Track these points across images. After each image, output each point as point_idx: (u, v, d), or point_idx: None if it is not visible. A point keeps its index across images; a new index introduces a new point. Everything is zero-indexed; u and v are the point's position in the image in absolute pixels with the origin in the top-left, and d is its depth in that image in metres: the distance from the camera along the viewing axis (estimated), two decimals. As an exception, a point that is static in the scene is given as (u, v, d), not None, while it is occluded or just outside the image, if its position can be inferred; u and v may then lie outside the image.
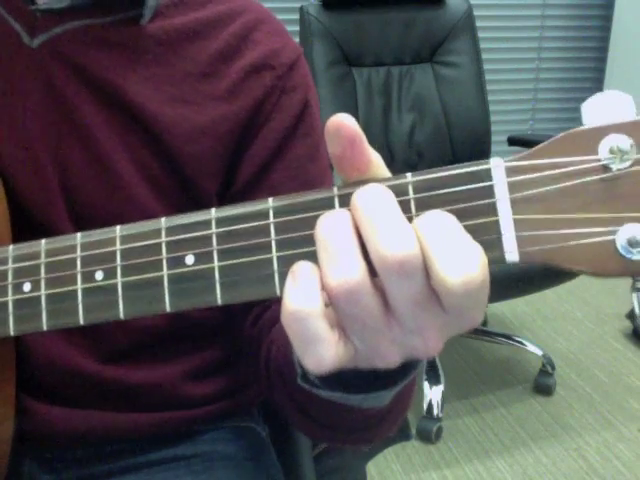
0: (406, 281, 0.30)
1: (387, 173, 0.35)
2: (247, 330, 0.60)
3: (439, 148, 1.97)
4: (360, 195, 0.32)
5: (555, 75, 2.79)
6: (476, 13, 2.02)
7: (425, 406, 1.72)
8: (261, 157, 0.59)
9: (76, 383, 0.60)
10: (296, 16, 1.92)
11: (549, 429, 1.76)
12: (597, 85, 2.78)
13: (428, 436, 1.70)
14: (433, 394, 1.73)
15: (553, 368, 1.92)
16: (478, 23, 2.02)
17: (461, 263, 0.30)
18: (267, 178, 0.60)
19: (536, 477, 1.59)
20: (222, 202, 0.61)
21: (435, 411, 1.72)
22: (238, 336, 0.63)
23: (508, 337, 2.07)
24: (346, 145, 0.33)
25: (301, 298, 0.31)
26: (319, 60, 1.89)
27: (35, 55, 0.56)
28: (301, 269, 0.32)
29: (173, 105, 0.57)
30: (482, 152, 1.98)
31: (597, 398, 1.88)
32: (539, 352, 1.95)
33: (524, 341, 2.01)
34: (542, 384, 1.91)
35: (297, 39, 1.90)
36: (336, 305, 0.31)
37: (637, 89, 2.54)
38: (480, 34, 2.02)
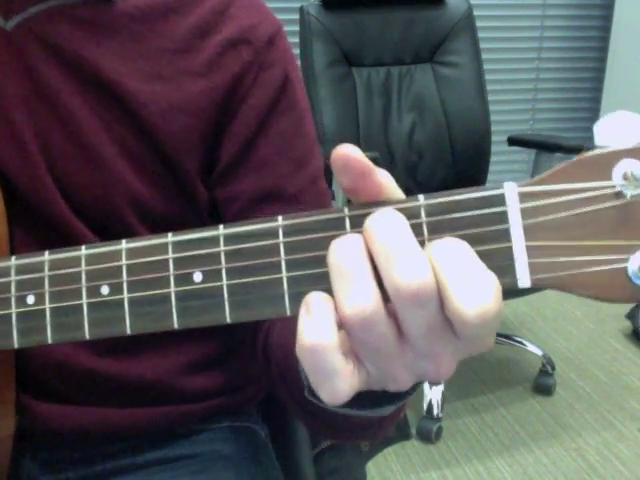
0: (420, 310, 0.30)
1: (398, 191, 0.34)
2: None
3: (439, 148, 1.97)
4: (373, 222, 0.31)
5: (555, 75, 2.79)
6: (476, 13, 2.02)
7: (425, 406, 1.72)
8: (243, 134, 0.59)
9: (74, 378, 0.60)
10: (296, 16, 1.92)
11: (549, 429, 1.76)
12: (597, 85, 2.78)
13: (428, 436, 1.70)
14: (433, 394, 1.73)
15: (553, 368, 1.92)
16: (478, 23, 2.02)
17: (476, 294, 0.30)
18: (253, 155, 0.60)
19: (536, 477, 1.59)
20: (209, 182, 0.61)
21: (435, 411, 1.72)
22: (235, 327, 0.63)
23: (508, 337, 2.07)
24: (356, 178, 0.33)
25: (317, 332, 0.31)
26: (319, 60, 1.89)
27: (11, 37, 0.56)
28: (315, 301, 0.32)
29: (149, 82, 0.57)
30: (482, 152, 1.98)
31: (597, 398, 1.88)
32: (539, 352, 1.95)
33: (524, 341, 2.01)
34: (542, 384, 1.91)
35: (297, 39, 1.90)
36: (350, 332, 0.31)
37: (637, 90, 2.54)
38: (480, 34, 2.02)
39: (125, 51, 0.57)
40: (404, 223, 0.31)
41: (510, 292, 1.72)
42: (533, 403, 1.87)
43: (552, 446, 1.69)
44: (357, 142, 1.91)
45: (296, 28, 1.90)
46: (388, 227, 0.31)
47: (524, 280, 0.32)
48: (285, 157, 0.61)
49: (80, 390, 0.61)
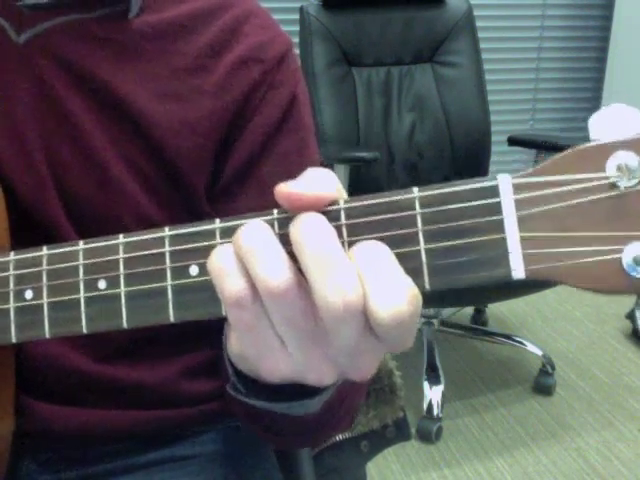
0: (347, 320, 0.32)
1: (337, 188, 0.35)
2: None
3: (439, 148, 1.97)
4: (303, 234, 0.33)
5: (555, 75, 2.79)
6: (476, 13, 2.02)
7: (425, 406, 1.72)
8: (248, 152, 0.59)
9: (73, 381, 0.60)
10: (296, 16, 1.92)
11: (549, 429, 1.76)
12: (597, 85, 2.78)
13: (428, 436, 1.70)
14: (433, 394, 1.73)
15: (553, 368, 1.92)
16: (478, 23, 2.02)
17: (390, 297, 0.31)
18: (254, 172, 0.60)
19: (536, 477, 1.59)
20: (210, 197, 0.61)
21: (435, 411, 1.72)
22: None
23: (508, 337, 2.07)
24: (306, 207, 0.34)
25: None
26: (319, 60, 1.89)
27: (22, 51, 0.56)
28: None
29: (162, 100, 0.57)
30: (482, 152, 1.99)
31: (597, 398, 1.88)
32: (539, 352, 1.95)
33: (524, 341, 2.01)
34: (542, 384, 1.91)
35: (297, 39, 1.90)
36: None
37: (637, 90, 2.54)
38: (480, 34, 2.02)
39: (138, 69, 0.57)
40: (333, 234, 0.33)
41: (510, 292, 1.72)
42: (533, 403, 1.87)
43: (552, 446, 1.69)
44: (357, 142, 1.90)
45: (296, 28, 1.90)
46: (315, 239, 0.32)
47: (518, 271, 0.32)
48: (286, 176, 0.60)
49: (80, 392, 0.61)
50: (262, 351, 0.36)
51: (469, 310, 2.26)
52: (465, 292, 1.58)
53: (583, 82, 2.83)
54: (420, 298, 0.32)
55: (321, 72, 1.88)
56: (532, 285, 1.67)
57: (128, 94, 0.56)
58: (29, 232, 0.56)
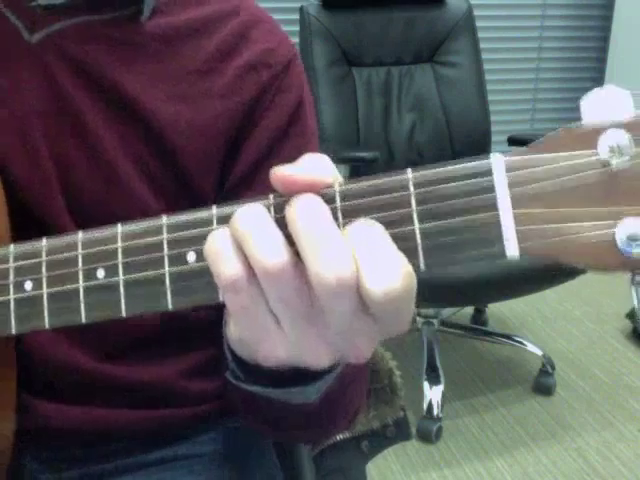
0: (341, 297, 0.32)
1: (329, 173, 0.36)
2: None
3: (439, 148, 1.97)
4: (297, 212, 0.33)
5: (555, 75, 2.79)
6: (476, 13, 2.02)
7: (425, 406, 1.72)
8: (255, 154, 0.60)
9: (74, 380, 0.60)
10: (296, 16, 1.92)
11: (549, 429, 1.76)
12: (597, 85, 2.76)
13: (428, 436, 1.70)
14: (433, 394, 1.73)
15: (553, 368, 1.92)
16: (478, 23, 2.02)
17: (384, 274, 0.31)
18: (259, 177, 0.60)
19: (536, 477, 1.59)
20: (217, 199, 0.61)
21: (435, 411, 1.72)
22: None
23: (508, 337, 2.07)
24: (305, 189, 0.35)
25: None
26: (319, 60, 1.89)
27: (34, 51, 0.56)
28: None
29: (172, 102, 0.58)
30: (482, 152, 1.97)
31: (597, 398, 1.88)
32: (539, 352, 1.95)
33: (524, 341, 2.01)
34: (542, 384, 1.91)
35: (297, 39, 1.90)
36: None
37: (637, 89, 2.53)
38: (480, 34, 2.02)
39: (148, 71, 0.58)
40: (325, 210, 0.33)
41: (510, 292, 1.72)
42: (533, 403, 1.87)
43: (552, 446, 1.69)
44: (357, 142, 1.91)
45: (296, 28, 1.90)
46: (311, 216, 0.33)
47: (512, 249, 0.33)
48: None
49: (81, 391, 0.61)
50: (259, 334, 0.36)
51: (469, 310, 2.26)
52: (465, 292, 1.59)
53: (583, 82, 2.83)
54: (414, 276, 0.32)
55: (321, 72, 1.88)
56: (532, 285, 1.67)
57: (138, 95, 0.57)
58: (30, 228, 0.57)
